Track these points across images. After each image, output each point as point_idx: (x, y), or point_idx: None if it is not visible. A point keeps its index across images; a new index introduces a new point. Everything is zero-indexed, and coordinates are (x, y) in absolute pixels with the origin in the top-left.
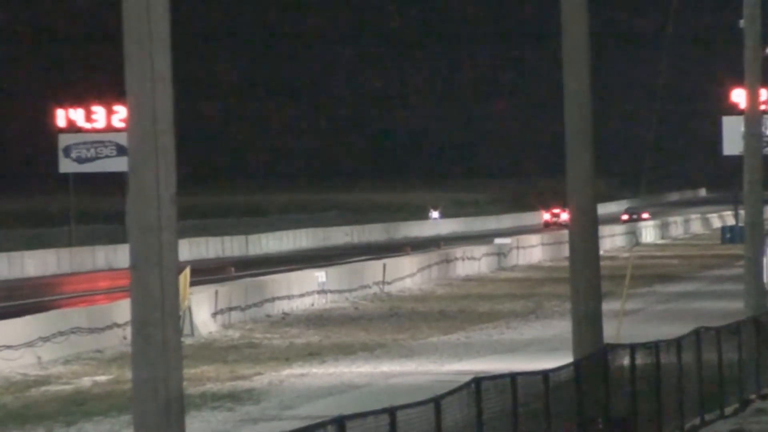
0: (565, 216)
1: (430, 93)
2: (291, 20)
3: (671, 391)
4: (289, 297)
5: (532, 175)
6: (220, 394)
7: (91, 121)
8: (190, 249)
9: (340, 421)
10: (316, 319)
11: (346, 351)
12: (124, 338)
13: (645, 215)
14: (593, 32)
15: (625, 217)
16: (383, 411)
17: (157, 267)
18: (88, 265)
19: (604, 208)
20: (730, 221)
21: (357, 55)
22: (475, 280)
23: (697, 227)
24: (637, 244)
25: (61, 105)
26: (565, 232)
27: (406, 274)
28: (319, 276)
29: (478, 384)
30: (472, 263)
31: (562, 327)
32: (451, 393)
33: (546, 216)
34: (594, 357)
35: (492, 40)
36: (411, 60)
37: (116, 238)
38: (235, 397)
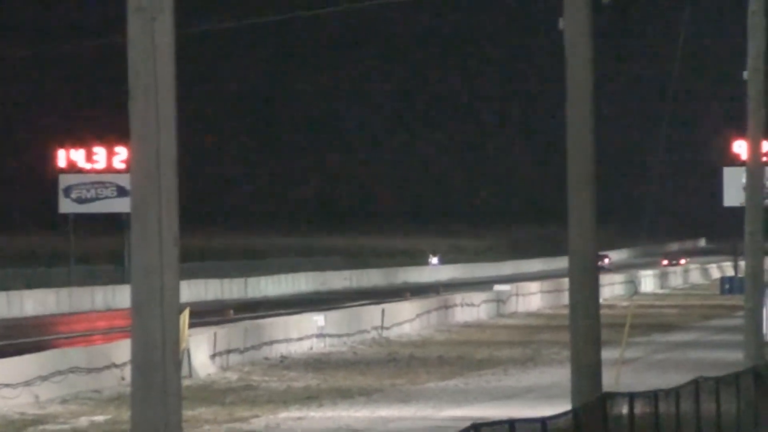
0: (607, 260)
1: (432, 139)
2: (295, 63)
3: None
4: (287, 340)
5: (531, 222)
6: None
7: (91, 161)
8: (189, 290)
9: None
10: (315, 363)
11: (344, 395)
12: (122, 378)
13: (683, 261)
14: (598, 81)
15: (665, 262)
16: None
17: (159, 308)
18: (86, 305)
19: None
20: (729, 272)
21: (357, 100)
22: (474, 326)
23: (696, 277)
24: (636, 293)
25: (62, 145)
26: (564, 280)
27: (405, 319)
28: (317, 320)
29: (476, 430)
30: (471, 309)
31: (560, 374)
32: None
33: None
34: (592, 405)
35: (495, 88)
36: (412, 104)
37: (115, 278)
38: None
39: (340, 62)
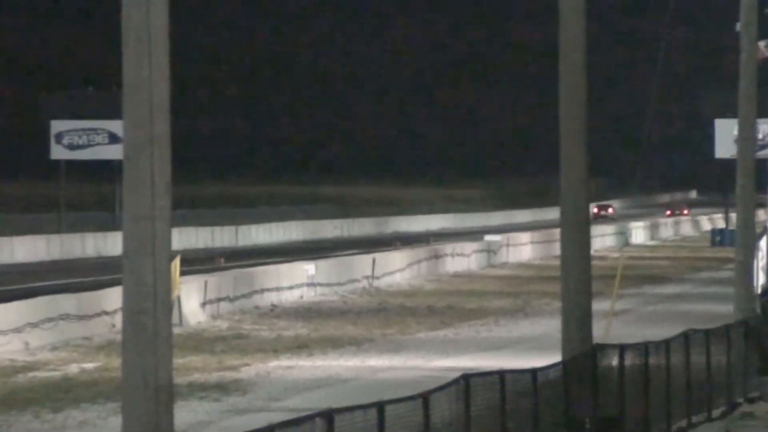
0: (611, 210)
1: (421, 88)
2: (283, 11)
3: (659, 392)
4: (278, 289)
5: (525, 172)
6: (207, 384)
7: (84, 107)
8: (179, 238)
9: (328, 414)
10: (305, 312)
11: (334, 344)
12: (113, 326)
13: (686, 211)
14: (590, 31)
15: (668, 212)
16: (372, 405)
17: (150, 256)
18: (77, 252)
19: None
20: (720, 224)
21: (349, 48)
22: (465, 276)
23: (686, 229)
24: (627, 244)
25: (54, 90)
26: (555, 231)
27: (396, 269)
28: (308, 269)
29: (466, 380)
30: (462, 260)
31: (550, 325)
32: (439, 389)
33: (593, 209)
34: (583, 356)
35: (486, 35)
36: (403, 55)
37: (106, 225)
38: (222, 388)
39: (328, 14)
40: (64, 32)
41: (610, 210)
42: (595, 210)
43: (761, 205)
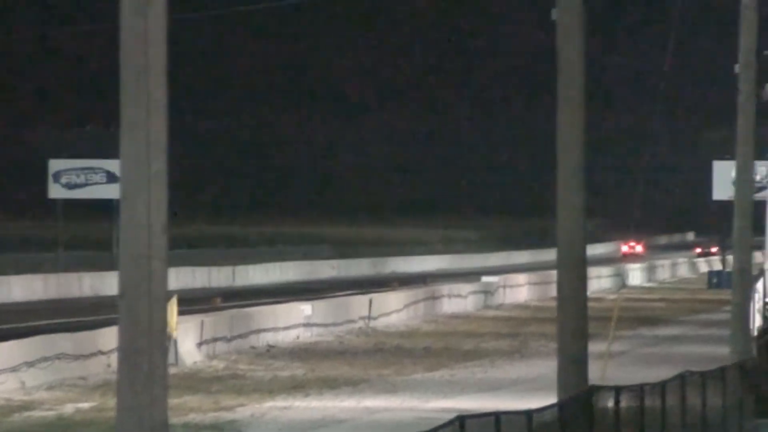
0: (639, 248)
1: (419, 128)
2: (282, 43)
3: None
4: (274, 329)
5: (523, 213)
6: (202, 424)
7: (82, 146)
8: (176, 278)
9: None
10: (301, 353)
11: (330, 385)
12: (108, 366)
13: (714, 249)
14: (589, 72)
15: (698, 250)
16: None
17: (146, 295)
18: (74, 292)
19: (591, 250)
20: (717, 266)
21: (349, 88)
22: (461, 317)
23: (684, 271)
24: (624, 286)
25: (52, 129)
26: (552, 272)
27: (392, 309)
28: (305, 309)
29: (462, 422)
30: (459, 301)
31: (546, 366)
32: (434, 430)
33: (624, 248)
34: (578, 398)
35: (485, 80)
36: (399, 93)
37: (104, 265)
38: (217, 428)
39: (321, 52)
40: (61, 70)
41: (640, 248)
42: (626, 248)
43: (758, 248)
